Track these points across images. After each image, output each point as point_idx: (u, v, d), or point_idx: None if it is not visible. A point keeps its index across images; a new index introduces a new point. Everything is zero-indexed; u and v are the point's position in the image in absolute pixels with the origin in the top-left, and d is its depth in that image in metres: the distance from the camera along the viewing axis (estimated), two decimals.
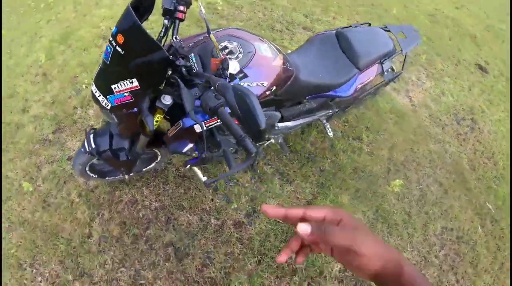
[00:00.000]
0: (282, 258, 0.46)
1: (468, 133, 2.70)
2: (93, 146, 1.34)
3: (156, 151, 1.64)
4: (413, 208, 2.08)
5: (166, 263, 1.61)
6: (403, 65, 1.86)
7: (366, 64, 1.62)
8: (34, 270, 1.57)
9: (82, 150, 1.40)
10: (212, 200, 1.83)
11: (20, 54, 2.73)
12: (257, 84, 1.20)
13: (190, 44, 1.25)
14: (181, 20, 1.11)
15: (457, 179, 2.35)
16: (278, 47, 1.39)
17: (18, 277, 1.56)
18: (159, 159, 1.74)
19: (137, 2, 0.97)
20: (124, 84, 0.98)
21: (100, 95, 1.04)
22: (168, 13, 1.08)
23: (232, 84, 0.82)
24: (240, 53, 1.19)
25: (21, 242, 1.65)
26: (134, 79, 0.97)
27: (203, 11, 1.06)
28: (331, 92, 1.61)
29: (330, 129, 1.91)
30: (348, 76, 1.59)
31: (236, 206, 1.82)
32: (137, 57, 0.93)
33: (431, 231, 2.03)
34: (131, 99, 1.02)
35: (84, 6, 3.20)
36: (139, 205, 1.76)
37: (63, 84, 2.33)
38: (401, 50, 1.70)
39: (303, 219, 0.44)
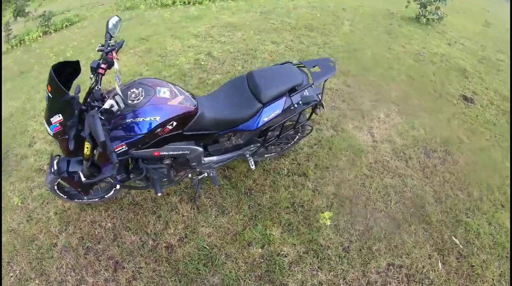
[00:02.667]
0: None
1: (438, 166, 2.56)
2: (55, 168, 1.75)
3: (111, 180, 2.03)
4: (353, 243, 2.02)
5: (105, 273, 1.88)
6: (321, 95, 1.97)
7: (270, 98, 1.80)
8: (9, 267, 1.97)
9: (49, 171, 1.84)
10: (154, 224, 2.10)
11: (36, 99, 3.54)
12: (150, 118, 1.51)
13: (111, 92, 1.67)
14: (103, 75, 1.53)
15: (416, 213, 2.21)
16: (186, 92, 1.70)
17: None
18: (118, 186, 2.12)
19: (60, 66, 1.44)
20: (55, 117, 1.43)
21: (47, 127, 1.50)
22: (93, 70, 1.53)
23: (92, 114, 1.28)
24: (142, 96, 1.55)
25: (5, 246, 2.08)
26: (60, 114, 1.42)
27: (119, 75, 1.49)
28: (240, 126, 1.84)
29: (253, 162, 2.10)
30: (252, 111, 1.79)
31: (172, 231, 2.05)
32: (58, 98, 1.39)
33: (372, 268, 1.91)
34: (60, 128, 1.46)
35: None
36: (97, 224, 2.12)
37: None
38: (313, 83, 1.86)
39: None
